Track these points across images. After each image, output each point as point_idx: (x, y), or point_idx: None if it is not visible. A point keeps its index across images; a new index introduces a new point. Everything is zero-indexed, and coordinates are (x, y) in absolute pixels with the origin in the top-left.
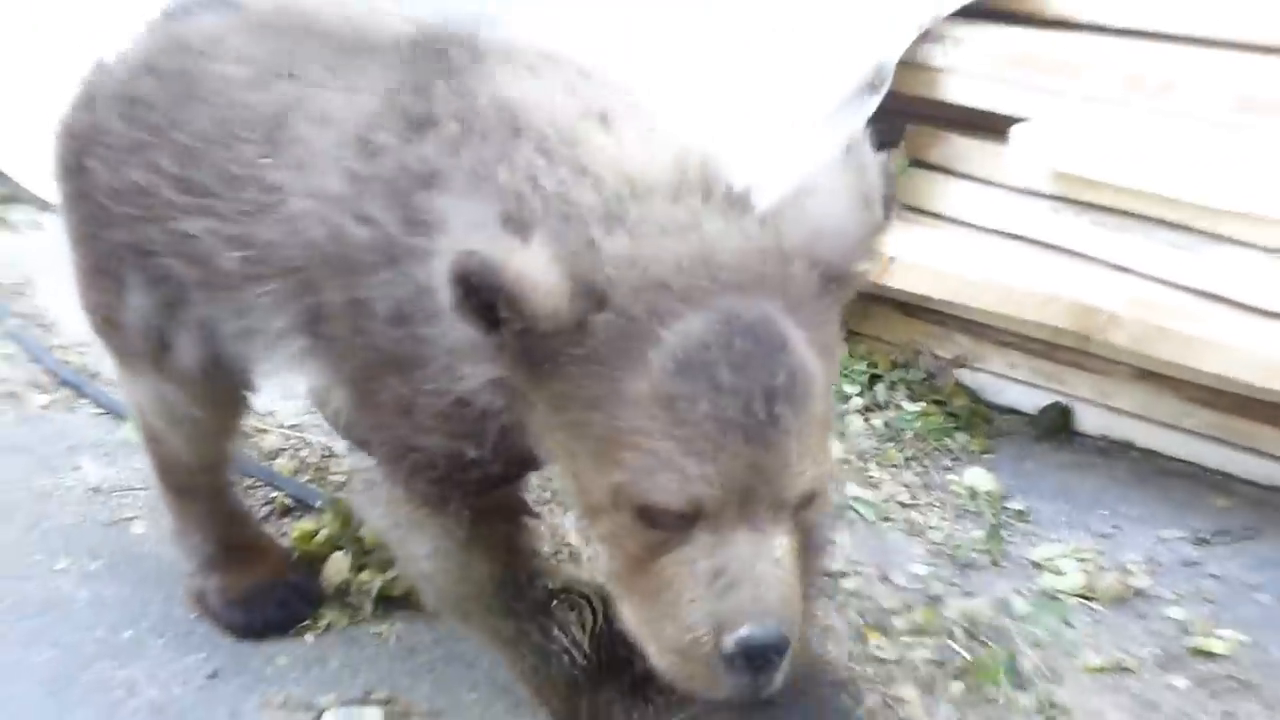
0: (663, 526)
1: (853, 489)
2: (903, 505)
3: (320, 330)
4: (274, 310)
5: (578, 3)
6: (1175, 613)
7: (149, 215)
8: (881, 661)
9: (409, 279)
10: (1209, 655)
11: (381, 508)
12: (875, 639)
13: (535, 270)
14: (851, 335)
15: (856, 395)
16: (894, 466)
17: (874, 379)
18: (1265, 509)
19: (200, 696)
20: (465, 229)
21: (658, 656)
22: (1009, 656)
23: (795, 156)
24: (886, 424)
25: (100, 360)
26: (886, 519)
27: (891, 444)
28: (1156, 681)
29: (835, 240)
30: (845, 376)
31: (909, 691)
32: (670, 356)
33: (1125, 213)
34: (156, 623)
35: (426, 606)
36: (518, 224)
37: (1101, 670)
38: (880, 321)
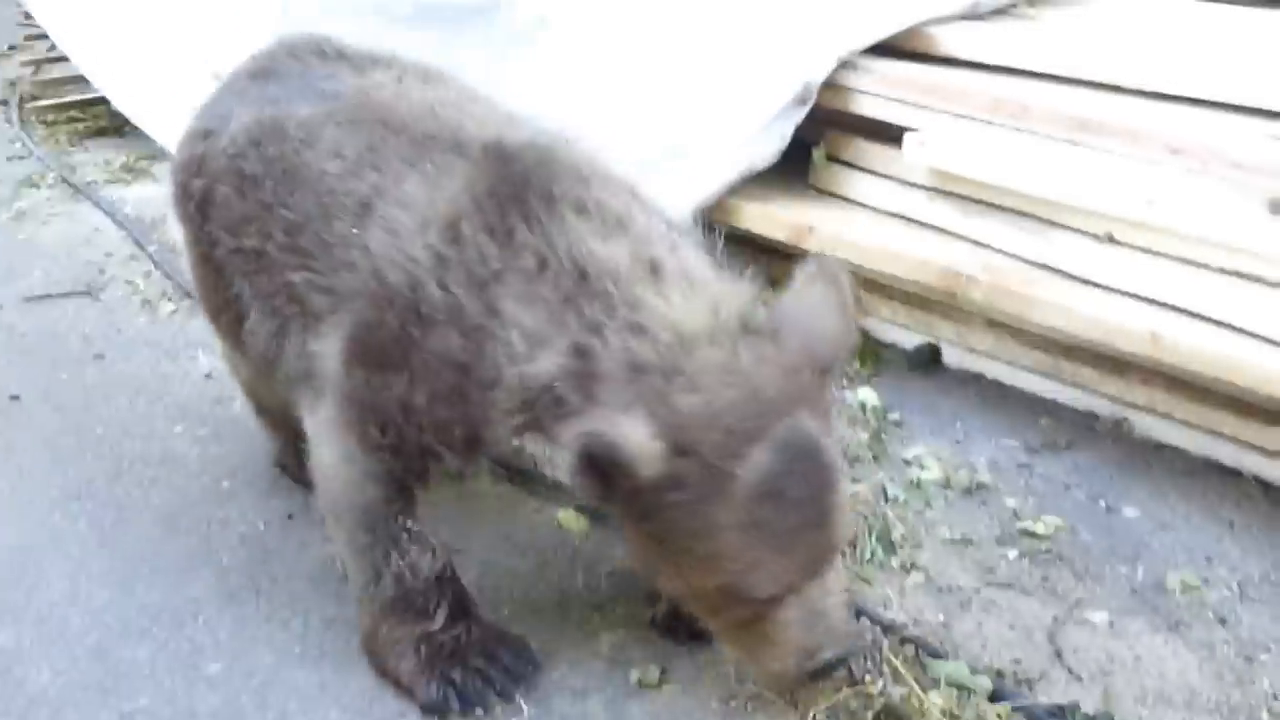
0: (760, 604)
1: None
2: None
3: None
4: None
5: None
6: (1010, 502)
7: (260, 268)
8: None
9: (474, 345)
10: (1034, 535)
11: (320, 416)
12: None
13: (642, 441)
14: (777, 285)
15: None
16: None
17: None
18: (1081, 429)
19: (279, 532)
20: (529, 339)
21: (759, 673)
22: (883, 528)
23: (739, 153)
24: None
25: None
26: None
27: None
28: (994, 552)
29: (825, 343)
30: None
31: None
32: (750, 489)
33: (985, 203)
34: (248, 476)
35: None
36: (585, 358)
37: (953, 542)
38: None
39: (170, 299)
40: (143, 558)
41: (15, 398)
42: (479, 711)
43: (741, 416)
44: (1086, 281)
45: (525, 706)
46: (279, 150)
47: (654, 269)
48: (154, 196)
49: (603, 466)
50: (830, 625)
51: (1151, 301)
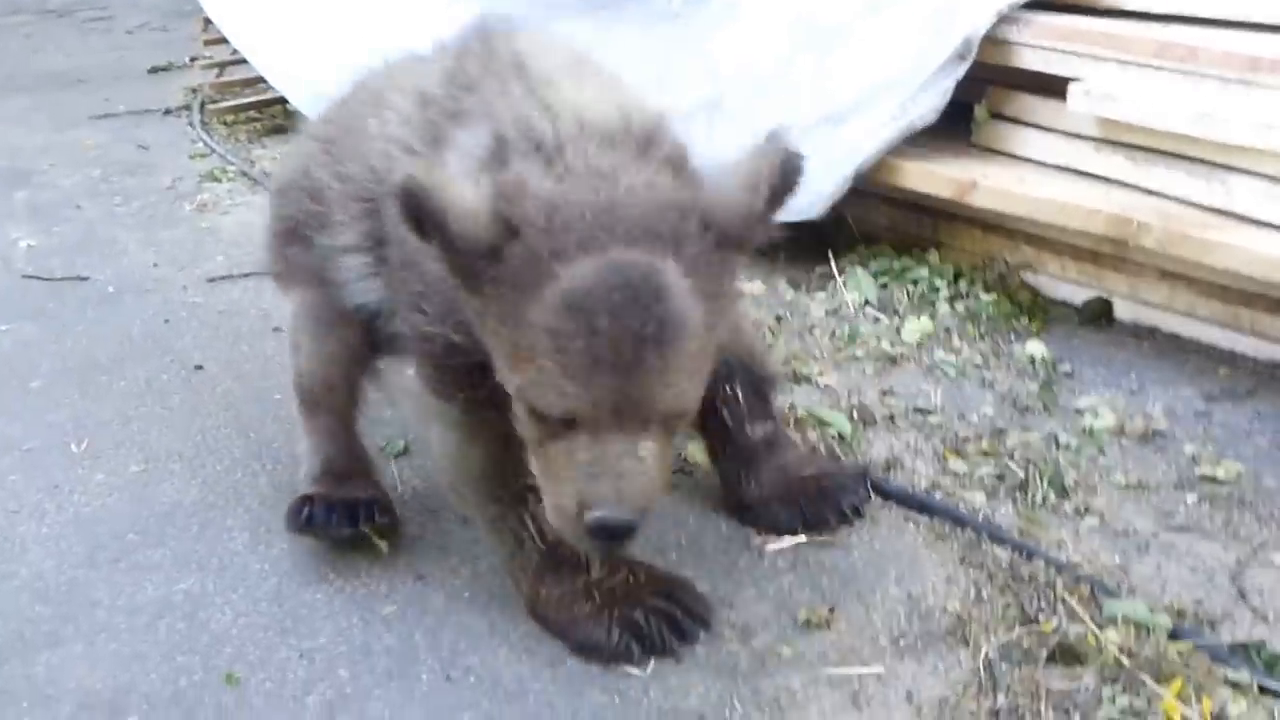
0: (550, 424)
1: (939, 354)
2: (976, 366)
3: (379, 250)
4: (348, 227)
5: None
6: (1188, 449)
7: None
8: (957, 475)
9: None
10: (1214, 480)
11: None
12: (952, 459)
13: (460, 198)
14: (942, 246)
15: (945, 287)
16: (971, 339)
17: (958, 276)
18: (1262, 377)
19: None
20: (460, 155)
21: (548, 511)
22: (1055, 473)
23: (899, 112)
24: (966, 309)
25: None
26: (964, 375)
27: (970, 323)
28: (1171, 496)
29: (732, 211)
30: (937, 274)
31: (978, 498)
32: (560, 295)
33: (1156, 150)
34: (416, 436)
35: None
36: (498, 152)
37: (1128, 487)
38: (965, 236)
39: None
40: None
41: (199, 368)
42: (664, 654)
43: (588, 223)
44: (1264, 224)
45: (697, 647)
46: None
47: (580, 68)
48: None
49: (418, 214)
50: (618, 486)
51: None
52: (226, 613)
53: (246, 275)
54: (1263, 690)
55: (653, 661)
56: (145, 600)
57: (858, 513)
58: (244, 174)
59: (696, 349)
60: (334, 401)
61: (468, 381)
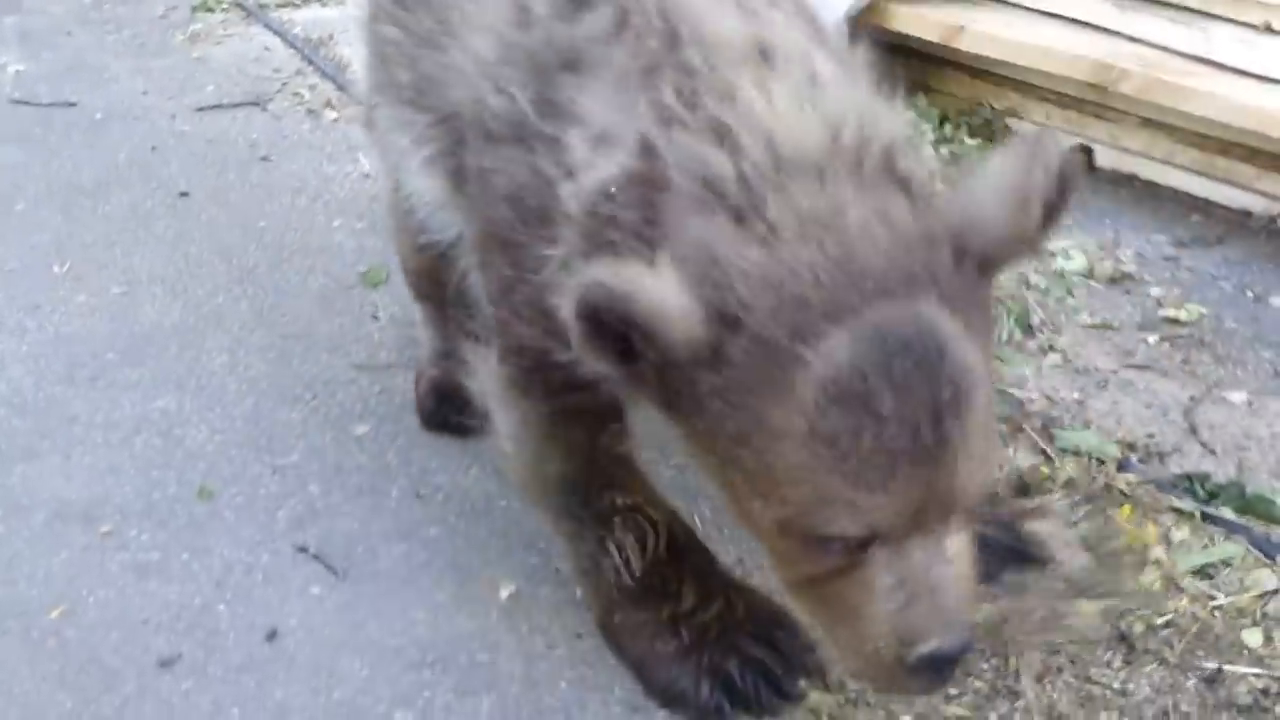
0: (836, 552)
1: None
2: None
3: (460, 185)
4: (426, 140)
5: None
6: (1154, 291)
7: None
8: None
9: (529, 163)
10: (1177, 322)
11: (483, 375)
12: None
13: (667, 297)
14: (930, 91)
15: (931, 131)
16: (954, 181)
17: (944, 121)
18: (1233, 225)
19: None
20: (593, 142)
21: (840, 657)
22: (1022, 311)
23: None
24: (951, 153)
25: None
26: None
27: (954, 168)
28: (1134, 337)
29: (994, 228)
30: (924, 118)
31: None
32: (821, 387)
33: None
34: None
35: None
36: (644, 191)
37: (1093, 327)
38: (952, 81)
39: (334, 107)
40: (298, 335)
41: (185, 194)
42: (759, 715)
43: (821, 287)
44: (1243, 72)
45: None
46: None
47: (765, 54)
48: (323, 18)
49: (613, 330)
50: (939, 604)
51: None
52: (202, 430)
53: (237, 105)
54: (1205, 517)
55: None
56: (122, 417)
57: None
58: (238, 4)
59: (988, 404)
60: (436, 291)
61: (561, 390)
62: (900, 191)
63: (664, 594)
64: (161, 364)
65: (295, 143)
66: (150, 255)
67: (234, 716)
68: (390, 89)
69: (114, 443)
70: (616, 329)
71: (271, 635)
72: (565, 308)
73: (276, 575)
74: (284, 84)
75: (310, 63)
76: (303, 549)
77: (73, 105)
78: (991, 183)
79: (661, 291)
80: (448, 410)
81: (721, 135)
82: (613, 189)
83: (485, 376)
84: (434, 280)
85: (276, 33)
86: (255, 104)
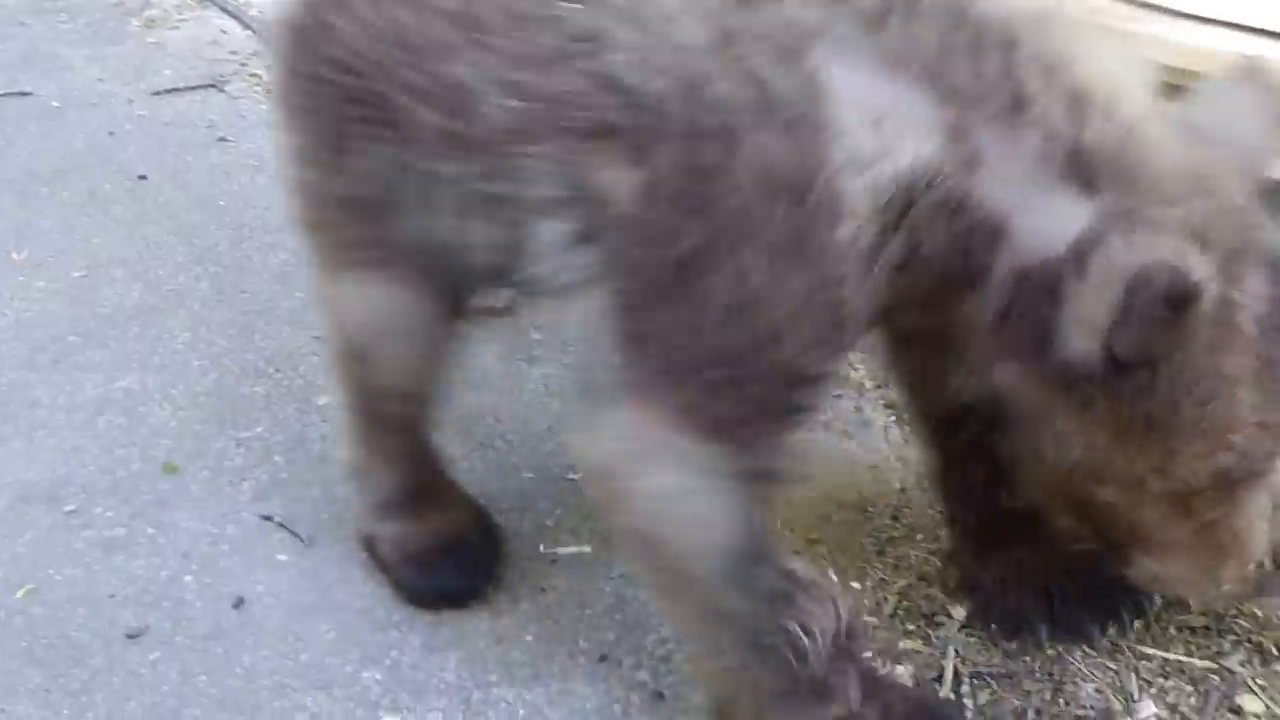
0: (1243, 487)
1: None
2: None
3: (599, 209)
4: (541, 177)
5: None
6: None
7: (401, 60)
8: None
9: (791, 146)
10: None
11: (617, 428)
12: None
13: (1199, 267)
14: None
15: None
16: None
17: None
18: None
19: None
20: (876, 125)
21: (1205, 589)
22: None
23: None
24: None
25: None
26: None
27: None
28: None
29: (1254, 152)
30: None
31: None
32: (1259, 321)
33: None
34: None
35: (625, 558)
36: (1073, 165)
37: None
38: None
39: None
40: (260, 310)
41: (143, 177)
42: None
43: (1224, 228)
44: (1185, 14)
45: None
46: None
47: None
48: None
49: (1158, 321)
50: None
51: (1248, 29)
52: (165, 407)
53: (194, 88)
54: None
55: None
56: (84, 399)
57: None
58: None
59: None
60: (414, 414)
61: (779, 418)
62: (1193, 130)
63: (827, 692)
64: (123, 345)
65: (253, 122)
66: (109, 239)
67: (202, 683)
68: None
69: (77, 424)
70: (1160, 319)
71: (239, 603)
72: (1104, 293)
73: (243, 545)
74: (241, 65)
75: (268, 43)
76: (268, 518)
77: (27, 95)
78: (1231, 107)
79: (1197, 263)
80: (446, 574)
81: (1077, 102)
82: (926, 175)
83: (624, 429)
84: (421, 396)
85: (233, 15)
86: (212, 86)
